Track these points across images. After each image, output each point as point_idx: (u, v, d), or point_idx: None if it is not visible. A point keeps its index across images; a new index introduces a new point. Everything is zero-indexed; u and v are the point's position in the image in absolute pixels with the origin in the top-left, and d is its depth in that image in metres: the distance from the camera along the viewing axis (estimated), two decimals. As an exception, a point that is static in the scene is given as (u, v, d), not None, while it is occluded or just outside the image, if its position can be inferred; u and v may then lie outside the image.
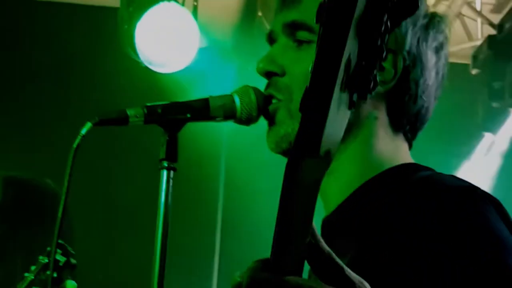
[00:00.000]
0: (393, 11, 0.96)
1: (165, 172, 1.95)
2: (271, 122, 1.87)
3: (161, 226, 1.95)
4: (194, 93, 4.76)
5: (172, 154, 1.96)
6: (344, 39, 0.93)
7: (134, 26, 4.42)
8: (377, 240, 1.57)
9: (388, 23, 0.97)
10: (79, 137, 1.90)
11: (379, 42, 0.97)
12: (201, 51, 4.57)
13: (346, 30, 0.93)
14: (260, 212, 4.56)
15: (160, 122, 1.95)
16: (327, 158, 1.00)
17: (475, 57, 5.63)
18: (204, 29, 4.53)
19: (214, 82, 4.80)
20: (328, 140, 0.98)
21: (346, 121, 1.02)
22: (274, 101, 1.89)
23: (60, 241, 2.98)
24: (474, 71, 5.64)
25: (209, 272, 5.06)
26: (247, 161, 4.63)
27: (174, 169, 1.97)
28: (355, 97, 0.99)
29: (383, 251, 1.54)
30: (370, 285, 1.17)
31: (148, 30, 4.44)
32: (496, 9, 5.81)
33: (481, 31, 5.86)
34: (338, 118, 0.98)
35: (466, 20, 5.85)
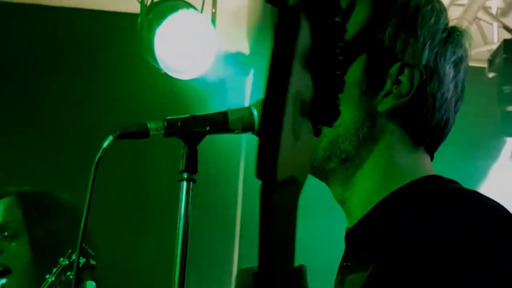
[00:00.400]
0: (347, 44, 0.98)
1: (184, 184, 2.00)
2: None
3: (181, 236, 1.99)
4: (212, 99, 4.80)
5: (191, 166, 2.00)
6: (286, 71, 0.96)
7: (154, 33, 4.46)
8: (406, 250, 1.58)
9: (342, 56, 0.99)
10: (101, 150, 1.95)
11: (337, 73, 0.99)
12: (219, 57, 4.61)
13: (288, 63, 0.96)
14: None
15: (180, 135, 2.00)
16: (293, 183, 1.02)
17: (491, 60, 5.64)
18: (222, 36, 4.57)
19: (232, 88, 4.83)
20: (288, 167, 0.99)
21: (314, 147, 1.04)
22: None
23: None
24: (490, 75, 5.64)
25: (227, 277, 5.08)
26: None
27: (194, 181, 2.01)
28: (320, 125, 1.01)
29: (411, 262, 1.55)
30: None
31: (167, 37, 4.49)
32: (504, 12, 5.81)
33: (497, 35, 5.86)
34: (300, 145, 1.00)
35: (482, 24, 5.86)
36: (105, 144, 1.94)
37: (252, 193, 4.90)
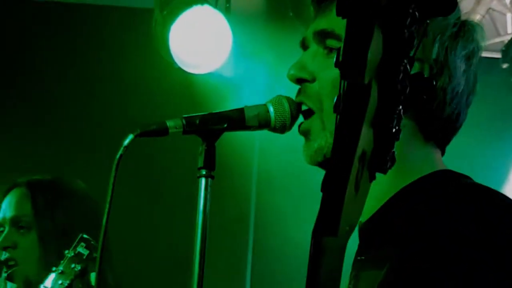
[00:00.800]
0: (406, 102, 1.04)
1: (203, 180, 2.02)
2: (306, 137, 1.94)
3: (199, 231, 2.02)
4: (227, 94, 4.82)
5: (210, 163, 2.03)
6: (358, 130, 1.02)
7: (168, 29, 4.50)
8: (417, 246, 1.60)
9: (402, 112, 1.05)
10: (121, 148, 1.98)
11: (393, 130, 1.05)
12: (234, 52, 4.63)
13: (360, 123, 1.02)
14: (293, 211, 4.60)
15: (198, 132, 2.03)
16: (347, 231, 1.09)
17: (504, 51, 5.63)
18: (236, 30, 4.59)
19: (247, 82, 4.84)
20: (348, 218, 1.06)
21: (368, 191, 1.11)
22: (303, 107, 1.96)
23: (84, 235, 3.07)
24: (504, 65, 5.63)
25: (242, 269, 5.10)
26: (280, 160, 4.67)
27: (212, 177, 2.04)
28: (375, 172, 1.08)
29: (422, 257, 1.57)
30: None
31: (181, 33, 4.52)
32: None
33: (511, 26, 5.85)
34: (358, 193, 1.06)
35: (496, 14, 5.85)
36: (126, 142, 1.97)
37: (266, 186, 4.89)
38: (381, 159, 1.06)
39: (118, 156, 1.97)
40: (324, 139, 1.87)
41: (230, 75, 4.75)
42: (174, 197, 4.81)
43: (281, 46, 4.55)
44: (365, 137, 1.04)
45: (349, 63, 1.01)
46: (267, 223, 4.96)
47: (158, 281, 4.90)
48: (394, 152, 1.08)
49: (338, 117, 1.04)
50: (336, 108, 1.03)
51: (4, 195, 3.59)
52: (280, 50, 4.56)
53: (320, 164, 1.91)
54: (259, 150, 4.90)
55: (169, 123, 2.00)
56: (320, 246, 1.07)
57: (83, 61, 5.26)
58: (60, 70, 5.23)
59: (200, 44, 4.57)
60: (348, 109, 1.02)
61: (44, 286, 3.10)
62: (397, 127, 1.06)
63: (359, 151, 1.03)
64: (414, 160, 1.83)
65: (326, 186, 1.05)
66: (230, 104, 4.79)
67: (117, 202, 2.01)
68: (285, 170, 4.68)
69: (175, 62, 4.62)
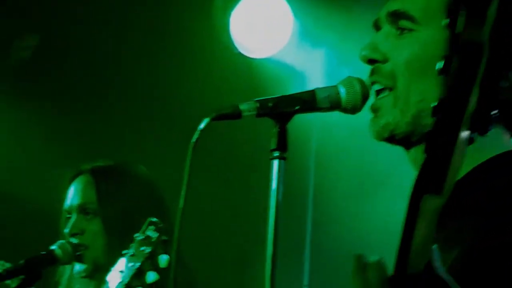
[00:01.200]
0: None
1: (276, 162, 2.05)
2: (375, 114, 1.97)
3: (273, 213, 2.04)
4: (288, 77, 4.81)
5: (282, 144, 2.06)
6: (469, 90, 1.07)
7: (229, 14, 4.52)
8: (501, 220, 1.62)
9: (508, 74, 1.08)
10: (197, 132, 2.01)
11: (498, 91, 1.07)
12: (294, 34, 4.63)
13: (472, 83, 1.08)
14: (352, 193, 4.57)
15: (271, 115, 2.05)
16: (448, 192, 1.12)
17: None
18: (297, 12, 4.58)
19: (307, 65, 4.81)
20: (451, 178, 1.09)
21: (465, 153, 1.13)
22: (375, 86, 1.98)
23: (153, 219, 3.11)
24: None
25: (299, 264, 5.07)
26: (338, 148, 4.64)
27: (284, 159, 2.06)
28: (475, 135, 1.10)
29: (504, 231, 1.60)
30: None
31: (242, 17, 4.54)
32: None
33: None
34: (459, 155, 1.10)
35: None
36: (202, 125, 2.00)
37: (323, 168, 4.85)
38: (484, 120, 1.08)
39: (194, 139, 1.99)
40: (392, 116, 1.92)
41: (292, 58, 4.74)
42: (245, 180, 4.81)
43: (342, 28, 4.53)
44: (472, 98, 1.08)
45: (470, 20, 1.06)
46: (325, 200, 4.93)
47: (226, 261, 4.93)
48: (496, 113, 1.11)
49: (448, 78, 1.07)
50: (443, 71, 1.06)
51: (70, 183, 3.67)
52: (341, 33, 4.54)
53: (387, 140, 1.95)
54: (318, 131, 4.87)
55: (242, 107, 2.03)
56: (416, 207, 1.09)
57: (147, 51, 5.28)
58: (126, 58, 5.26)
59: (262, 28, 4.58)
60: (462, 69, 1.06)
61: (116, 269, 3.14)
62: (501, 89, 1.09)
63: (467, 112, 1.07)
64: (486, 140, 1.84)
65: (433, 144, 1.07)
66: (292, 87, 4.78)
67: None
68: (344, 151, 4.65)
69: (236, 47, 4.63)
